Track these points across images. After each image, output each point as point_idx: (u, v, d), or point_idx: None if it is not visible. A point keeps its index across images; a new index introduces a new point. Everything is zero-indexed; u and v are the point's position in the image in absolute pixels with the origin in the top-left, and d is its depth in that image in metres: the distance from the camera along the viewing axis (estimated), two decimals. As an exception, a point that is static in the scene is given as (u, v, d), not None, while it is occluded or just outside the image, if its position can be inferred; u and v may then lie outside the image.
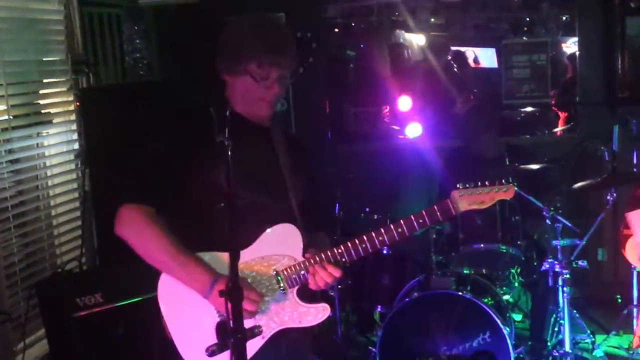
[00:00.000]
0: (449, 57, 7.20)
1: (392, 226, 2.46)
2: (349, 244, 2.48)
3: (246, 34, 2.48)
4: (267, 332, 2.48)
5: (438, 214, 2.45)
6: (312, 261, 2.47)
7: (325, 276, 2.45)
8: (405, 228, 2.46)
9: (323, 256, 2.47)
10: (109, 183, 4.14)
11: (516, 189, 4.18)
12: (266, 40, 2.45)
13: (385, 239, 2.46)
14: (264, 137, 2.61)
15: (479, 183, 2.47)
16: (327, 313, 2.51)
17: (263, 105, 2.53)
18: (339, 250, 2.48)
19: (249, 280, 2.46)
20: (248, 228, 2.41)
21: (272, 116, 2.62)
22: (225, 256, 2.38)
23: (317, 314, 2.51)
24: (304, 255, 2.49)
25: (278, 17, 2.58)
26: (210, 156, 2.28)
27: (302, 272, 2.47)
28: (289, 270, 2.48)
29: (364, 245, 2.47)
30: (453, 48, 7.64)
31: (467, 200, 2.45)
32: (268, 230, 2.49)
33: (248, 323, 2.36)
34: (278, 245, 2.49)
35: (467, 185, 2.46)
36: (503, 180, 2.49)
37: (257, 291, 2.44)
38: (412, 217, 2.46)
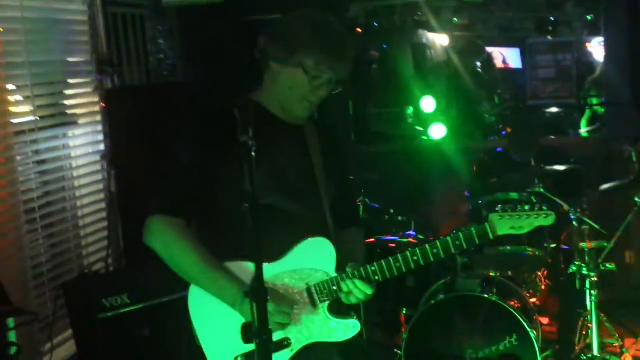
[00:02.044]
0: (483, 58, 7.12)
1: (427, 247, 2.45)
2: (383, 263, 2.46)
3: (311, 28, 2.41)
4: (296, 345, 2.47)
5: (476, 237, 2.44)
6: (344, 277, 2.44)
7: (357, 293, 2.44)
8: (441, 250, 2.44)
9: (357, 273, 2.44)
10: (135, 185, 4.15)
11: (542, 190, 4.26)
12: (330, 41, 2.40)
13: (421, 259, 2.45)
14: (297, 137, 2.55)
15: (518, 207, 2.44)
16: (358, 329, 2.50)
17: (304, 106, 2.47)
18: (373, 268, 2.45)
19: (281, 292, 2.44)
20: (279, 238, 2.37)
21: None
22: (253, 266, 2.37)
23: (347, 330, 2.50)
24: (337, 271, 2.47)
25: (340, 22, 2.50)
26: (238, 161, 2.27)
27: (335, 288, 2.45)
28: (321, 285, 2.46)
29: (398, 265, 2.45)
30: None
31: (505, 224, 2.43)
32: (301, 243, 2.45)
33: (277, 335, 2.36)
34: (311, 259, 2.46)
35: (507, 209, 2.44)
36: (544, 207, 2.46)
37: (287, 304, 2.42)
38: (449, 240, 2.44)
